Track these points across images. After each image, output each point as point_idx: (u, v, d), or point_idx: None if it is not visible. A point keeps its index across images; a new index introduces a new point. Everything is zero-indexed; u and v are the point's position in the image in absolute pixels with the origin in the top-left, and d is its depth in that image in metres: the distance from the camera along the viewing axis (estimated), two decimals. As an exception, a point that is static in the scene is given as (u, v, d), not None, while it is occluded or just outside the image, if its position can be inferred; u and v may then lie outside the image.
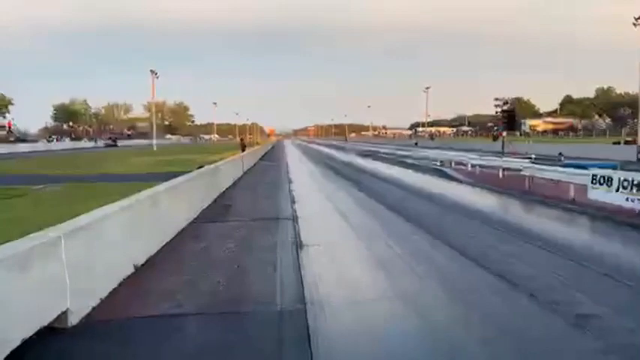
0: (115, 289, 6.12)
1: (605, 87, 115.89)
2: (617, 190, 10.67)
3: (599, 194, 11.41)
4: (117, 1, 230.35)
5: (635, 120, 68.92)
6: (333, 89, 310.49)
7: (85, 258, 5.50)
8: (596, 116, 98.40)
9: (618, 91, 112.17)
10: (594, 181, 11.50)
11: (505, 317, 5.23)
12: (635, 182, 10.15)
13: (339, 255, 8.08)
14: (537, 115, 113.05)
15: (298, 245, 8.56)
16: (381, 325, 5.22)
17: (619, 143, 47.28)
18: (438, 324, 5.13)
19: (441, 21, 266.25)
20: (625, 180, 10.46)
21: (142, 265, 7.27)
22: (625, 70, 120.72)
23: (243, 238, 9.26)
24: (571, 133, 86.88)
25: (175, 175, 12.65)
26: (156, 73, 67.70)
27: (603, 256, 7.52)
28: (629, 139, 51.10)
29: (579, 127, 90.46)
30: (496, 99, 20.27)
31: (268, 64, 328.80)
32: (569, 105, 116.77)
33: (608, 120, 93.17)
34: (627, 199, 10.41)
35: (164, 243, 8.65)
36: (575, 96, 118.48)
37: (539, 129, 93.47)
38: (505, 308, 5.48)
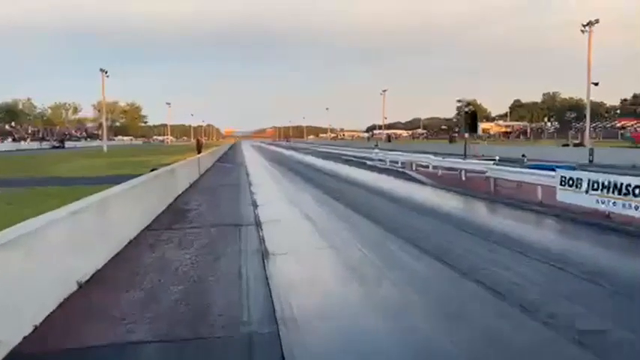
0: (52, 314, 5.22)
1: (551, 92, 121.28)
2: (587, 192, 10.55)
3: (568, 196, 11.28)
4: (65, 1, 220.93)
5: (581, 123, 72.07)
6: (291, 92, 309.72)
7: (14, 277, 4.61)
8: (546, 120, 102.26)
9: (563, 96, 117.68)
10: (563, 183, 11.37)
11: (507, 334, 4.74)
12: (605, 184, 10.03)
13: (308, 264, 7.44)
14: (489, 118, 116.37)
15: (264, 254, 7.84)
16: (362, 343, 4.60)
17: (568, 145, 48.93)
18: (420, 337, 4.58)
19: (396, 27, 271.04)
20: (595, 182, 10.34)
21: (87, 281, 6.38)
22: (570, 76, 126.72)
23: (203, 247, 8.43)
24: (521, 136, 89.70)
25: (126, 178, 11.66)
26: (106, 72, 64.89)
27: (583, 260, 7.21)
28: (577, 141, 53.11)
29: (529, 130, 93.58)
30: (458, 100, 20.24)
31: (225, 65, 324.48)
32: (518, 109, 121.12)
33: (555, 123, 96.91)
34: (598, 201, 10.29)
35: (114, 254, 7.75)
36: (523, 100, 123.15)
37: (492, 132, 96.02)
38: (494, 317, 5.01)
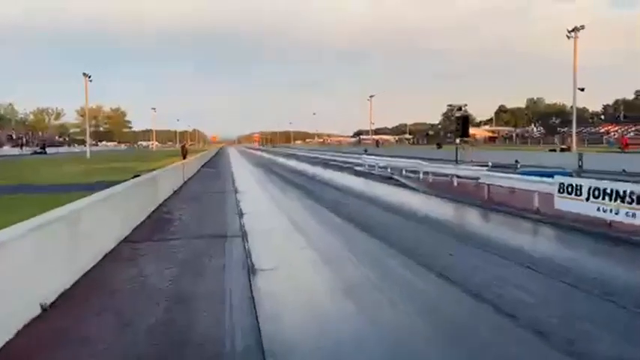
0: (9, 343, 4.58)
1: (535, 98, 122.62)
2: (588, 200, 10.14)
3: (566, 204, 10.87)
4: (47, 4, 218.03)
5: (566, 128, 72.65)
6: (278, 97, 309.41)
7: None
8: (532, 125, 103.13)
9: (547, 102, 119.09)
10: (562, 190, 10.96)
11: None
12: (608, 191, 9.63)
13: (299, 281, 6.85)
14: (474, 124, 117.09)
15: (250, 269, 7.24)
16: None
17: (555, 150, 49.04)
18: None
19: (382, 34, 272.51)
20: (596, 189, 9.93)
21: (54, 302, 5.73)
22: (554, 82, 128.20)
23: (185, 261, 7.80)
24: (507, 141, 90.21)
25: (108, 185, 11.02)
26: (89, 77, 63.66)
27: (596, 276, 6.73)
28: (564, 146, 53.31)
29: (515, 135, 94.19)
30: (449, 105, 19.83)
31: (211, 70, 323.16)
32: (503, 114, 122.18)
33: (540, 128, 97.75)
34: (599, 209, 9.88)
35: (86, 270, 7.10)
36: (508, 106, 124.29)
37: (478, 137, 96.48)
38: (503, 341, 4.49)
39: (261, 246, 8.96)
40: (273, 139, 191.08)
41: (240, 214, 12.62)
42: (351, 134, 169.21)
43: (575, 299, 5.82)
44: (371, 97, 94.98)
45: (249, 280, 6.66)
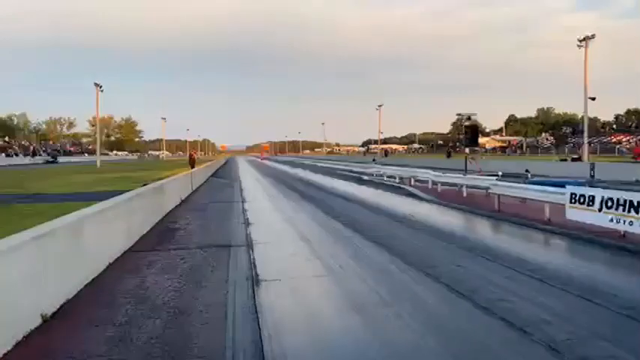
0: (7, 355, 4.50)
1: (546, 107, 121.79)
2: (601, 210, 9.90)
3: (578, 214, 10.63)
4: (61, 16, 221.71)
5: (577, 137, 71.86)
6: (287, 107, 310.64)
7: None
8: (543, 134, 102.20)
9: (557, 111, 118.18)
10: (573, 200, 10.72)
11: None
12: (621, 202, 9.38)
13: (305, 294, 6.69)
14: (484, 133, 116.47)
15: (254, 281, 7.11)
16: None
17: (566, 160, 48.52)
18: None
19: (391, 44, 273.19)
20: (609, 199, 9.69)
21: (55, 313, 5.65)
22: (564, 91, 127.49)
23: (189, 271, 7.70)
24: (518, 151, 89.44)
25: (115, 194, 10.98)
26: (100, 87, 64.24)
27: (616, 292, 6.50)
28: (575, 156, 52.73)
29: (525, 144, 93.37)
30: (458, 114, 19.69)
31: (221, 81, 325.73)
32: (513, 124, 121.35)
33: (551, 138, 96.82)
34: (612, 220, 9.63)
35: (89, 280, 7.02)
36: (518, 115, 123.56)
37: (488, 146, 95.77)
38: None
39: (265, 257, 8.83)
40: (282, 149, 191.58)
41: (247, 224, 12.52)
42: (360, 143, 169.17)
43: (591, 314, 5.58)
44: (379, 106, 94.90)
45: (254, 292, 6.53)
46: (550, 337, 4.79)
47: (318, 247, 9.63)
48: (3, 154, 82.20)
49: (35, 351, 4.68)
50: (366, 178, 30.73)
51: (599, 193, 10.11)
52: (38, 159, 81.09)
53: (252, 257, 8.66)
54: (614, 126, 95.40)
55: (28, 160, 79.23)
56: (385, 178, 28.29)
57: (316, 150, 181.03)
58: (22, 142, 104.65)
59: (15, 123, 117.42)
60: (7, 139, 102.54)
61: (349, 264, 8.12)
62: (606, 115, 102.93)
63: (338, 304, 6.20)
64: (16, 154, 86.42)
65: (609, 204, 9.72)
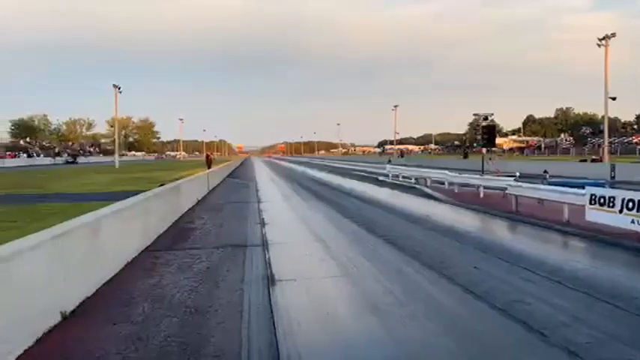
0: (28, 351, 4.59)
1: (565, 107, 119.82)
2: (621, 212, 9.72)
3: (598, 216, 10.45)
4: (81, 18, 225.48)
5: (597, 138, 70.66)
6: (302, 108, 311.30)
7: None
8: (562, 135, 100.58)
9: (576, 111, 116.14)
10: (593, 202, 10.54)
11: None
12: (643, 203, 9.20)
13: (320, 294, 6.68)
14: (501, 133, 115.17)
15: (270, 280, 7.14)
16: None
17: (585, 161, 47.73)
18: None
19: (407, 44, 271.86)
20: (630, 200, 9.50)
21: (74, 311, 5.74)
22: (583, 91, 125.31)
23: (205, 271, 7.77)
24: (536, 151, 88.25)
25: (133, 194, 11.13)
26: (119, 88, 65.17)
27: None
28: (595, 157, 51.85)
29: (543, 145, 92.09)
30: (475, 114, 19.51)
31: (238, 82, 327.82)
32: (532, 124, 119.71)
33: (570, 138, 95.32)
34: (633, 222, 9.44)
35: (107, 279, 7.13)
36: (536, 116, 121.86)
37: (505, 147, 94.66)
38: None
39: (281, 256, 8.86)
40: (297, 150, 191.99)
41: (263, 224, 12.58)
42: (376, 144, 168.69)
43: (611, 317, 5.47)
44: (395, 107, 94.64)
45: (269, 291, 6.56)
46: (568, 340, 4.72)
47: (333, 247, 9.61)
48: (25, 155, 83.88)
49: (54, 347, 4.77)
50: (381, 178, 30.62)
51: (619, 195, 9.93)
52: (59, 159, 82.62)
53: (267, 257, 8.70)
54: (635, 126, 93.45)
55: (49, 160, 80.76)
56: (401, 179, 28.16)
57: (332, 151, 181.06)
58: (43, 143, 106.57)
59: (36, 124, 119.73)
60: (28, 139, 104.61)
61: (364, 264, 8.11)
62: (627, 116, 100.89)
63: (353, 304, 6.20)
64: (37, 155, 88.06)
65: (630, 205, 9.54)
